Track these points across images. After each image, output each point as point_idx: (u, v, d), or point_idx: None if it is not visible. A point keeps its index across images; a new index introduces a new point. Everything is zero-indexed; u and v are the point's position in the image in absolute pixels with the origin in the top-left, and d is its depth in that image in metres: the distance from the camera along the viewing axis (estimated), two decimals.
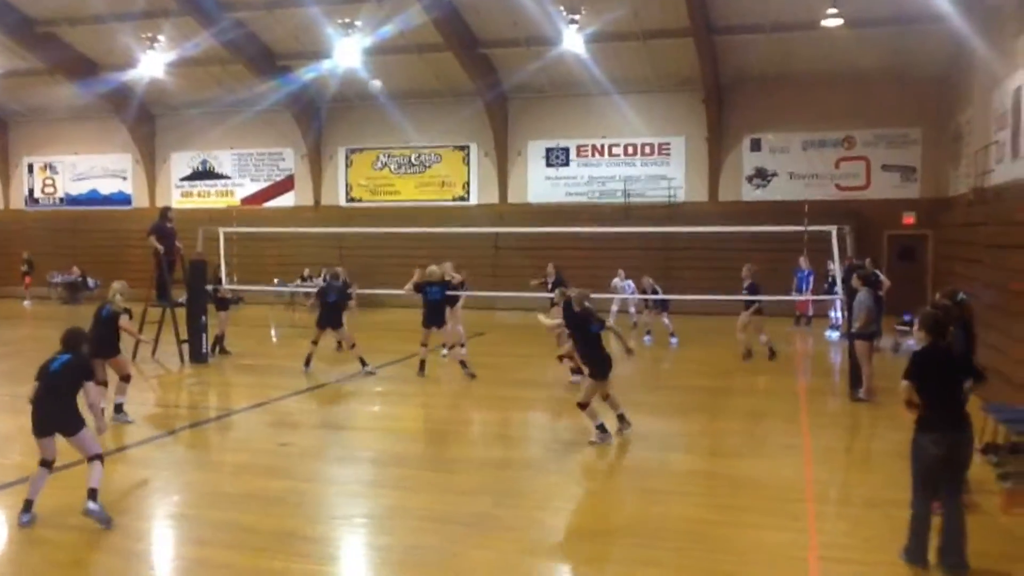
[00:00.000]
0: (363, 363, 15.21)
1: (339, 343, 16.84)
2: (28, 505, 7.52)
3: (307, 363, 15.34)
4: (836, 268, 17.22)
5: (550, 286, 17.50)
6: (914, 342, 7.19)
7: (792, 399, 13.44)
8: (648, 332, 20.24)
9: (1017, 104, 15.77)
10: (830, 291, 19.48)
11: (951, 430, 6.40)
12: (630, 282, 21.36)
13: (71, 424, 7.54)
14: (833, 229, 15.49)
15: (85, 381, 7.69)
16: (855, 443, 11.15)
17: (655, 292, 19.62)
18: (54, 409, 7.51)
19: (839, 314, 19.36)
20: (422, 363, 15.13)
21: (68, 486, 8.24)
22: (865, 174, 25.73)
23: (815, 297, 21.05)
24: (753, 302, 16.87)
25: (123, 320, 11.45)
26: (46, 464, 7.63)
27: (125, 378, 11.43)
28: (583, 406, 10.47)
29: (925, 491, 6.46)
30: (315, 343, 15.47)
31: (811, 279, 21.55)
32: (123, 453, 9.24)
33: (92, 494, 7.44)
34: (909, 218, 24.94)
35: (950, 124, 23.27)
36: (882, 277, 18.03)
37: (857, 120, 25.41)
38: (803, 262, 21.66)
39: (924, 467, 6.43)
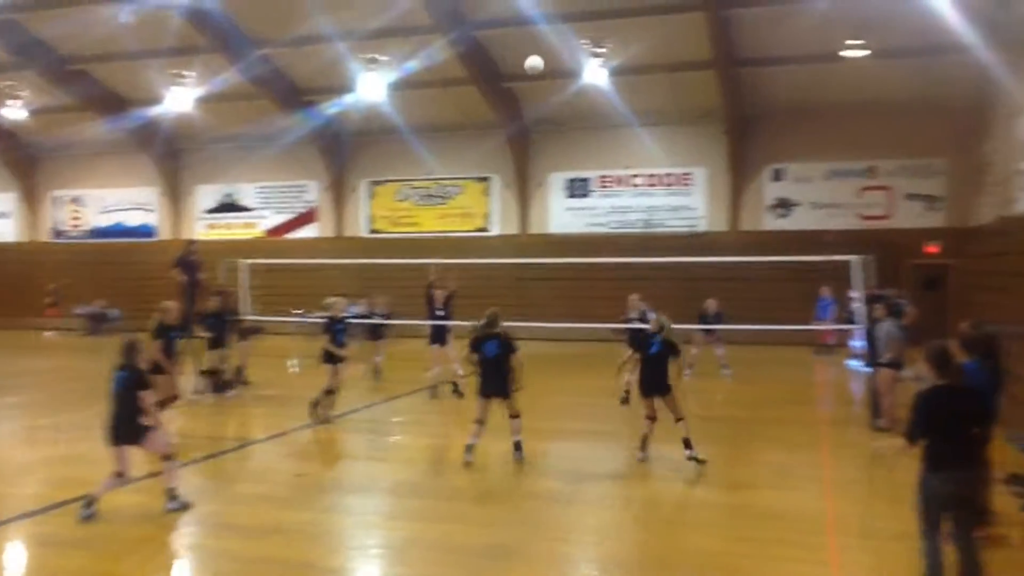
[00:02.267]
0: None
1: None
2: (91, 500, 8.31)
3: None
4: (858, 297, 17.10)
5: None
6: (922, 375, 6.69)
7: (814, 429, 13.30)
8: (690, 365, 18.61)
9: None
10: (851, 320, 19.30)
11: (962, 469, 6.09)
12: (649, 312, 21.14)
13: (137, 433, 8.39)
14: (855, 259, 15.39)
15: (140, 391, 8.37)
16: (877, 474, 10.98)
17: (718, 319, 18.52)
18: (118, 422, 8.38)
19: (861, 343, 19.17)
20: (454, 385, 15.67)
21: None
22: (889, 203, 25.58)
23: (836, 326, 20.90)
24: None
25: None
26: (119, 475, 8.45)
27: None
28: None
29: (933, 530, 6.15)
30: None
31: (833, 308, 21.39)
32: (140, 484, 9.25)
33: (170, 494, 8.56)
34: (933, 247, 24.73)
35: (975, 153, 23.12)
36: (907, 307, 17.86)
37: (881, 150, 25.31)
38: (825, 292, 21.51)
39: (931, 506, 6.13)
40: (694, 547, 7.79)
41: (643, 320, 14.29)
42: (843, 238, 23.72)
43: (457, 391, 15.60)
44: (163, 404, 11.53)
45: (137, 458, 8.91)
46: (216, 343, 15.90)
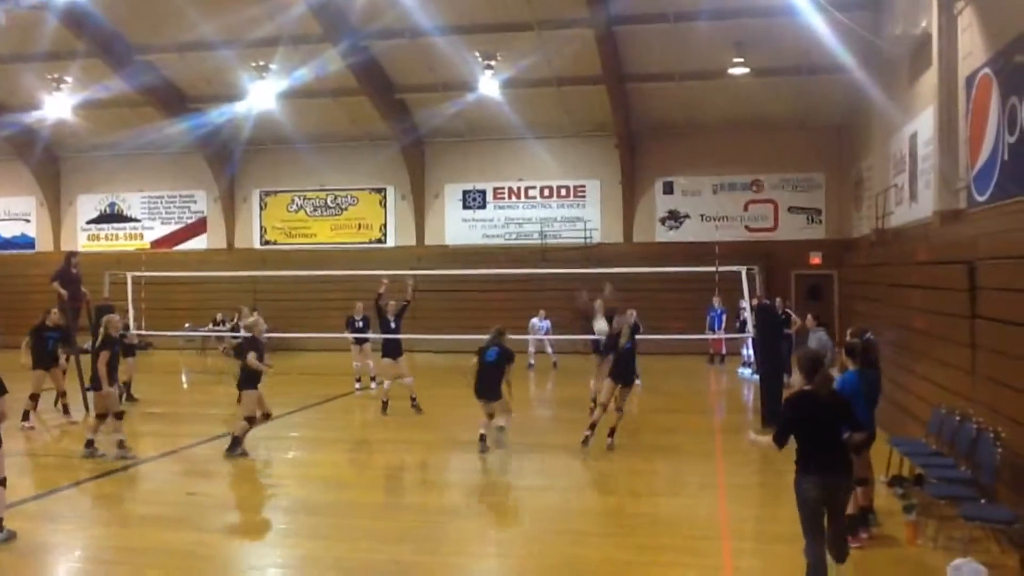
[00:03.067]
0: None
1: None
2: None
3: None
4: (747, 307, 17.63)
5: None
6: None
7: (707, 437, 13.64)
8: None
9: (913, 150, 16.49)
10: (742, 329, 19.92)
11: (829, 474, 6.27)
12: (547, 322, 21.74)
13: None
14: (743, 269, 15.89)
15: None
16: (768, 478, 11.32)
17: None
18: None
19: (751, 352, 19.78)
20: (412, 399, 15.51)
21: None
22: (773, 216, 26.53)
23: (727, 335, 21.54)
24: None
25: None
26: None
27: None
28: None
29: (815, 535, 6.32)
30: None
31: (724, 318, 22.03)
32: (22, 507, 8.82)
33: None
34: (815, 258, 25.74)
35: (852, 169, 24.21)
36: (793, 316, 18.56)
37: (765, 164, 26.26)
38: (716, 301, 22.14)
39: (808, 509, 6.29)
40: (592, 556, 7.86)
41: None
42: (731, 249, 24.47)
43: (415, 406, 15.29)
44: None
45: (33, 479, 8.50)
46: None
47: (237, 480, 11.33)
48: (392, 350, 15.57)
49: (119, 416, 12.14)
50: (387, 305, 15.64)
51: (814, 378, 6.45)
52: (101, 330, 12.18)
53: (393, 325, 15.55)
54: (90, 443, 11.89)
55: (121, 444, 11.91)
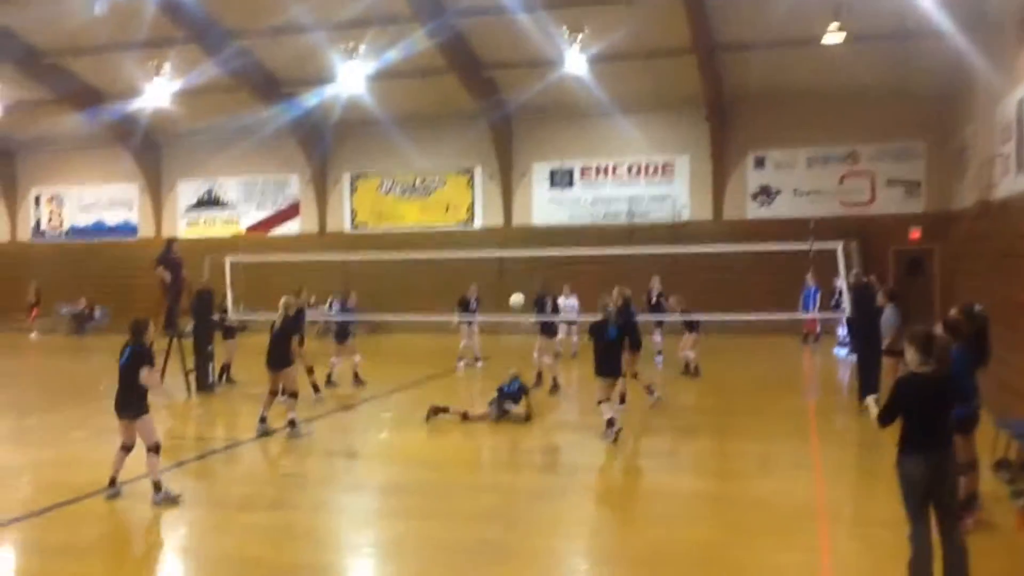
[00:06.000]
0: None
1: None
2: (111, 481, 8.95)
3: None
4: (843, 285, 17.14)
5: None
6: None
7: (802, 418, 13.36)
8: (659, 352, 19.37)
9: (1020, 117, 15.72)
10: (837, 308, 19.37)
11: (933, 453, 6.15)
12: (574, 300, 20.19)
13: (133, 408, 8.87)
14: (839, 245, 15.42)
15: (140, 368, 8.78)
16: (866, 461, 11.03)
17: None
18: (120, 395, 8.92)
19: (846, 331, 19.27)
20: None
21: (72, 520, 8.22)
22: (870, 189, 25.68)
23: (822, 315, 20.97)
24: (695, 325, 17.36)
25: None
26: (124, 448, 8.99)
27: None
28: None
29: (920, 519, 6.17)
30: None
31: (818, 296, 21.48)
32: (129, 486, 9.18)
33: (156, 487, 8.74)
34: (915, 232, 24.86)
35: (954, 138, 23.23)
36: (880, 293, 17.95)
37: (861, 135, 25.41)
38: (809, 279, 21.59)
39: (912, 491, 6.17)
40: (683, 538, 7.80)
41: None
42: (825, 225, 23.79)
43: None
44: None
45: (129, 462, 8.92)
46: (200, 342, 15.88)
47: (331, 460, 11.57)
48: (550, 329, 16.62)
49: (294, 395, 12.57)
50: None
51: (929, 356, 6.23)
52: (280, 312, 12.86)
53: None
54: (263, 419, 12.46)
55: (292, 423, 12.34)
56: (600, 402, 11.82)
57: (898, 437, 6.24)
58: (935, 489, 6.13)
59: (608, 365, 11.86)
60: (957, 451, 6.72)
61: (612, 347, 11.84)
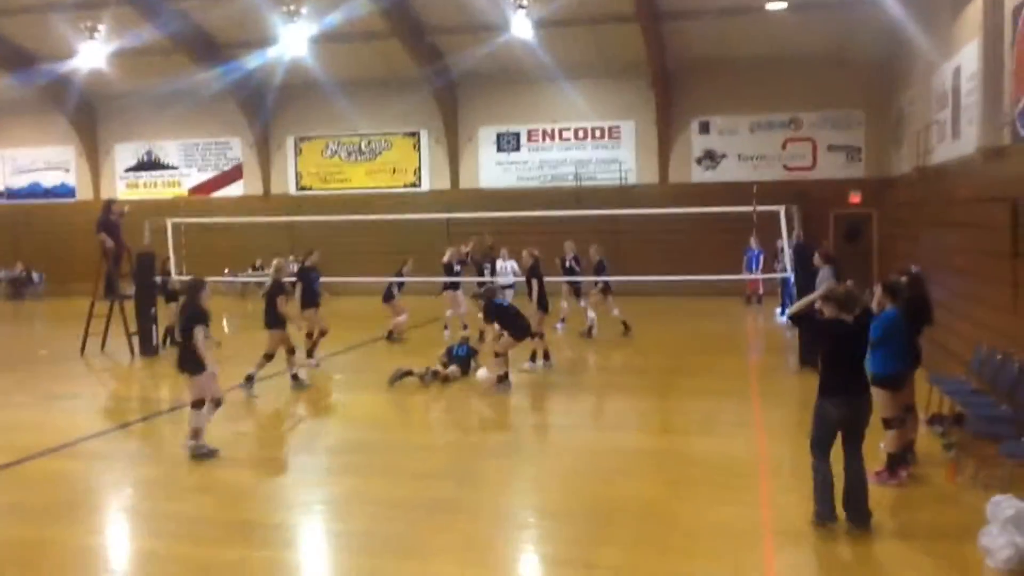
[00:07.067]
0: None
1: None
2: (196, 433, 9.19)
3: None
4: (785, 247, 17.49)
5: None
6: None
7: (743, 377, 13.66)
8: (563, 319, 18.69)
9: (956, 85, 16.10)
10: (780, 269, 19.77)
11: (856, 396, 6.85)
12: (512, 262, 19.19)
13: (190, 365, 9.19)
14: (781, 209, 15.73)
15: (194, 326, 9.01)
16: (806, 419, 11.29)
17: (603, 268, 17.76)
18: (180, 353, 9.38)
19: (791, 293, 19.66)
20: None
21: (19, 481, 8.13)
22: (812, 155, 26.13)
23: (764, 276, 21.40)
24: (603, 281, 17.63)
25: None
26: (193, 405, 9.27)
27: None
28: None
29: (825, 453, 6.84)
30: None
31: (761, 258, 21.87)
32: (74, 447, 9.11)
33: (194, 433, 9.10)
34: (855, 197, 25.38)
35: (892, 105, 23.69)
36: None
37: (803, 102, 25.79)
38: (753, 242, 21.96)
39: (825, 429, 6.85)
40: (627, 494, 7.97)
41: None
42: (769, 189, 24.17)
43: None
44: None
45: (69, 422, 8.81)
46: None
47: (280, 421, 11.58)
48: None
49: (292, 351, 13.01)
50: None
51: (846, 308, 6.90)
52: (271, 275, 13.17)
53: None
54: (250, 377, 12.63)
55: (296, 377, 13.01)
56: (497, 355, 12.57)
57: (819, 382, 6.89)
58: (852, 428, 6.85)
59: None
60: (882, 406, 7.64)
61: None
